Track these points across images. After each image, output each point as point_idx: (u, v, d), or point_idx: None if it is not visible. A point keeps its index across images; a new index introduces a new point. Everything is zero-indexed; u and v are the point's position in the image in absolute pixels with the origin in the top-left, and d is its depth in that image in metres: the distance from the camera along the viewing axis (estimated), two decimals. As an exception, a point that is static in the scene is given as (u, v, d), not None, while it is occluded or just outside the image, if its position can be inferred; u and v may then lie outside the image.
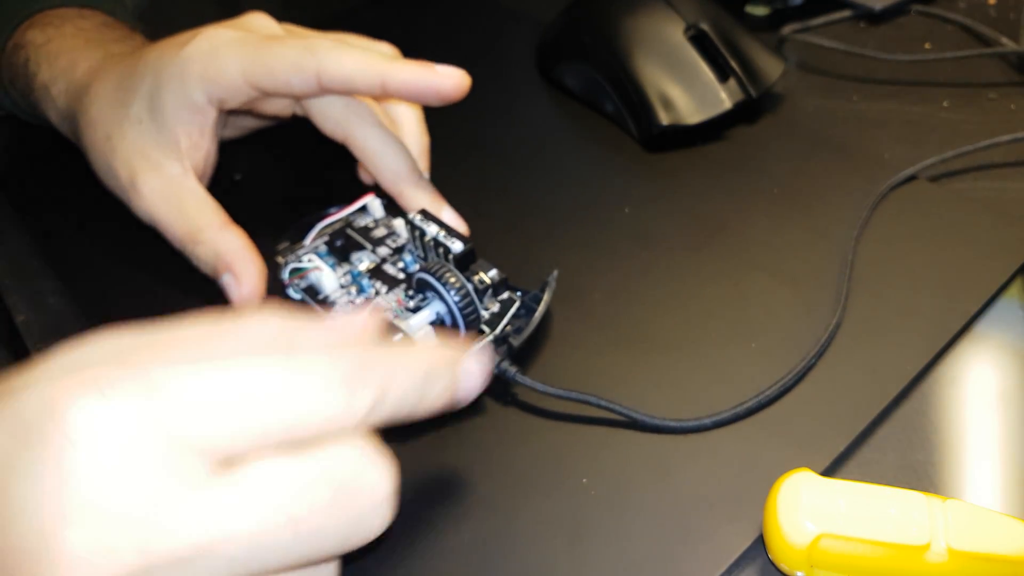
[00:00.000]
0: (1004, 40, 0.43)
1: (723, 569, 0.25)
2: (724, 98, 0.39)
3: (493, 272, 0.31)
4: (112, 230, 0.40)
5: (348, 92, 0.35)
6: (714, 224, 0.36)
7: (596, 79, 0.42)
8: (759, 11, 0.49)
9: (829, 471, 0.27)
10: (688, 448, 0.28)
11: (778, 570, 0.24)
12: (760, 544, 0.25)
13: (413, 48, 0.48)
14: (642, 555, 0.25)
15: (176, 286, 0.37)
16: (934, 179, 0.37)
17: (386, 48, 0.39)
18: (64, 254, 0.40)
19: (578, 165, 0.40)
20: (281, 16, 0.54)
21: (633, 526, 0.26)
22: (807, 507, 0.23)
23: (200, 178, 0.36)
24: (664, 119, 0.39)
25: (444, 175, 0.40)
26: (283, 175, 0.42)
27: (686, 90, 0.39)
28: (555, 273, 0.32)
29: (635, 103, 0.40)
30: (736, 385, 0.29)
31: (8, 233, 0.43)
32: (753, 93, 0.40)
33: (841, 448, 0.27)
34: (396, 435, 0.29)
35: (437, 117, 0.44)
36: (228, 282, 0.34)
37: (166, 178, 0.35)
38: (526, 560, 0.25)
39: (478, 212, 0.37)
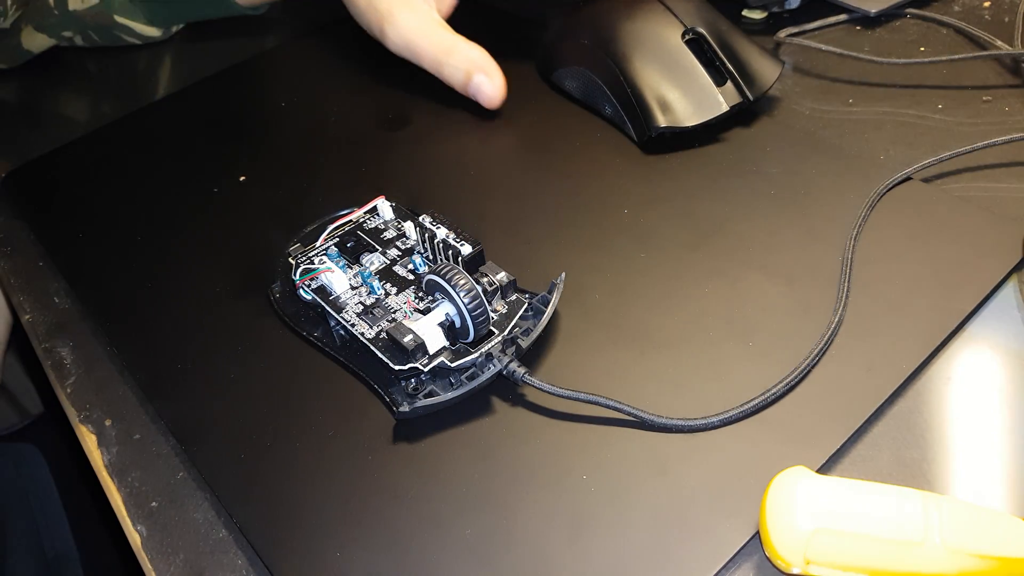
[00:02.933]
0: (999, 43, 0.44)
1: (720, 565, 0.25)
2: (721, 101, 0.40)
3: (502, 275, 0.32)
4: (118, 231, 0.41)
5: None
6: (711, 225, 0.36)
7: (595, 82, 0.43)
8: (755, 15, 0.50)
9: (824, 468, 0.28)
10: (686, 446, 0.28)
11: (774, 567, 0.25)
12: (757, 541, 0.26)
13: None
14: (640, 550, 0.26)
15: (181, 286, 0.37)
16: (929, 180, 0.37)
17: None
18: (70, 255, 0.40)
19: (577, 167, 0.40)
20: (281, 19, 0.55)
21: (632, 522, 0.26)
22: (802, 504, 0.24)
23: (443, 17, 0.46)
24: (661, 121, 0.40)
25: (446, 177, 0.41)
26: (287, 177, 0.43)
27: (683, 93, 0.40)
28: (563, 275, 0.32)
29: (633, 106, 0.41)
30: (734, 383, 0.30)
31: (14, 233, 0.44)
32: (750, 96, 0.40)
33: (836, 446, 0.28)
34: (403, 434, 0.30)
35: (438, 121, 0.45)
36: (481, 80, 0.43)
37: (418, 13, 0.45)
38: (526, 554, 0.26)
39: (479, 214, 0.38)
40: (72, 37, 0.56)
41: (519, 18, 0.51)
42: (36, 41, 0.55)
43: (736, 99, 0.40)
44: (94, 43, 0.57)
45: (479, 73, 0.43)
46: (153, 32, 0.56)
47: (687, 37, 0.41)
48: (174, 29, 0.57)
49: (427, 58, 0.44)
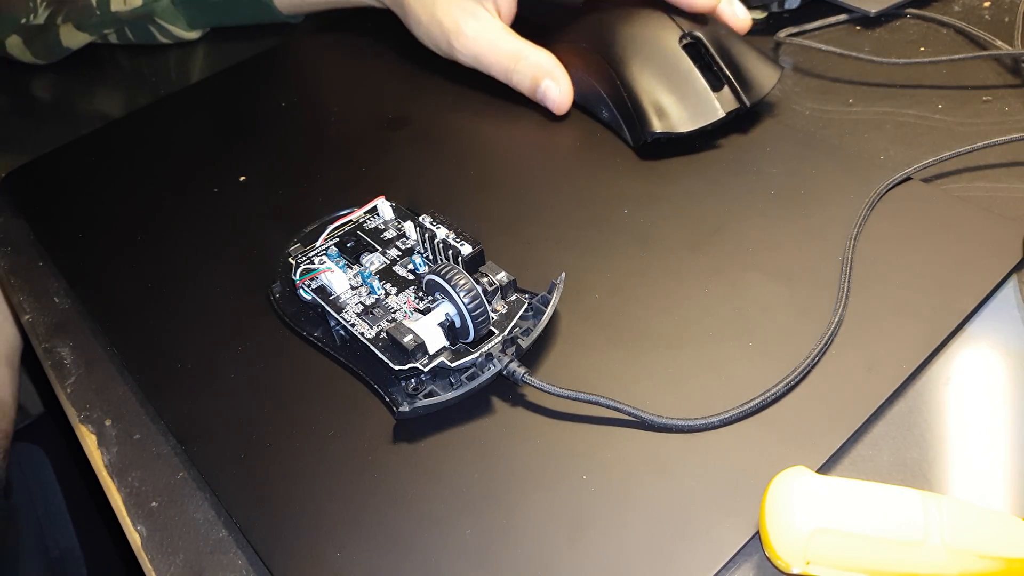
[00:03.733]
0: (998, 43, 0.44)
1: (720, 565, 0.25)
2: (717, 107, 0.40)
3: (502, 275, 0.32)
4: (118, 231, 0.41)
5: None
6: (711, 225, 0.36)
7: (592, 86, 0.43)
8: (755, 15, 0.50)
9: (824, 468, 0.28)
10: (686, 446, 0.28)
11: (774, 567, 0.25)
12: (757, 541, 0.26)
13: (416, 55, 0.49)
14: (640, 550, 0.26)
15: (181, 286, 0.37)
16: (929, 180, 0.37)
17: None
18: (70, 255, 0.40)
19: (578, 168, 0.41)
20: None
21: (632, 522, 0.26)
22: (802, 504, 0.24)
23: (505, 22, 0.47)
24: (657, 127, 0.40)
25: (448, 179, 0.41)
26: (287, 177, 0.43)
27: (680, 99, 0.40)
28: (562, 275, 0.32)
29: (629, 111, 0.41)
30: (734, 383, 0.30)
31: (14, 233, 0.44)
32: (747, 102, 0.40)
33: (836, 446, 0.28)
34: (403, 434, 0.30)
35: (438, 121, 0.45)
36: (549, 85, 0.43)
37: (483, 22, 0.45)
38: (526, 554, 0.26)
39: (479, 214, 0.38)
40: (109, 35, 0.56)
41: (519, 18, 0.51)
42: (76, 39, 0.56)
43: (733, 105, 0.40)
44: (128, 41, 0.57)
45: (547, 79, 0.43)
46: (191, 35, 0.57)
47: (684, 42, 0.41)
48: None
49: (496, 67, 0.45)
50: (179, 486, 0.31)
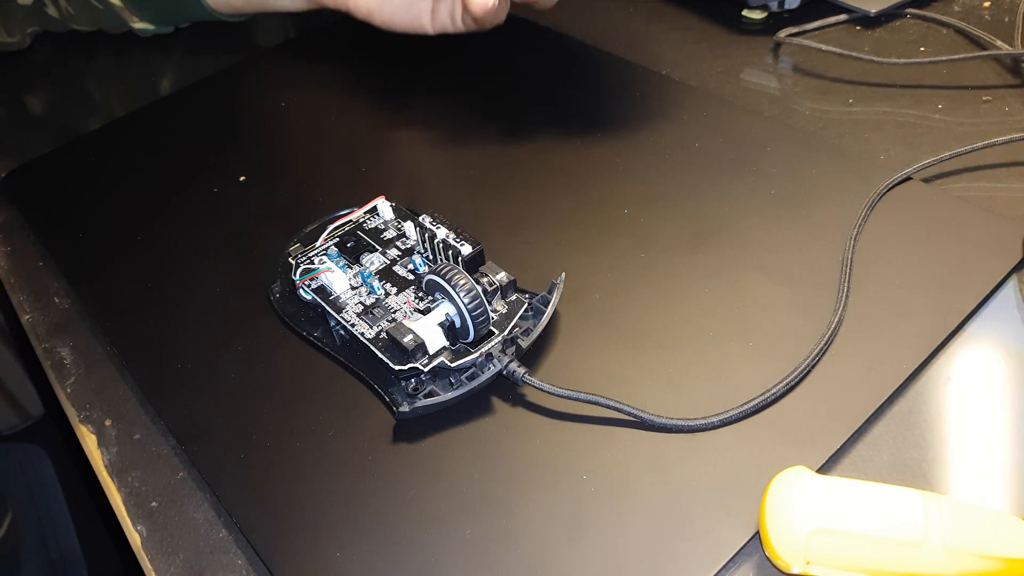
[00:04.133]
0: (998, 43, 0.44)
1: (720, 565, 0.25)
2: None
3: (502, 275, 0.32)
4: (118, 231, 0.41)
5: None
6: (711, 225, 0.36)
7: None
8: (755, 15, 0.50)
9: (824, 468, 0.28)
10: (686, 446, 0.28)
11: (774, 567, 0.25)
12: (757, 541, 0.26)
13: (423, 55, 0.49)
14: (640, 550, 0.26)
15: (181, 286, 0.37)
16: (929, 180, 0.37)
17: None
18: (70, 255, 0.40)
19: (577, 167, 0.41)
20: (281, 19, 0.54)
21: (632, 522, 0.26)
22: (802, 504, 0.24)
23: None
24: None
25: (446, 177, 0.41)
26: (287, 177, 0.43)
27: None
28: (562, 275, 0.32)
29: None
30: (734, 383, 0.30)
31: (14, 233, 0.44)
32: None
33: (836, 446, 0.28)
34: (403, 434, 0.30)
35: (438, 121, 0.45)
36: None
37: None
38: (526, 554, 0.26)
39: (479, 214, 0.38)
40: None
41: (528, 22, 0.51)
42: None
43: None
44: (67, 14, 0.56)
45: None
46: (141, 24, 0.56)
47: None
48: (168, 31, 0.57)
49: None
50: (179, 486, 0.31)
